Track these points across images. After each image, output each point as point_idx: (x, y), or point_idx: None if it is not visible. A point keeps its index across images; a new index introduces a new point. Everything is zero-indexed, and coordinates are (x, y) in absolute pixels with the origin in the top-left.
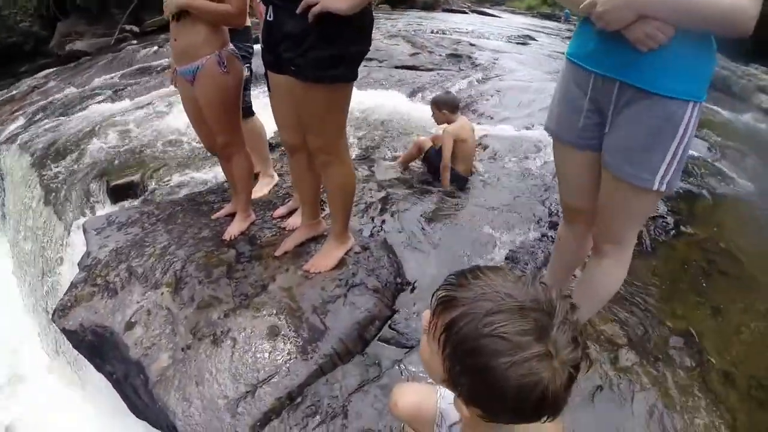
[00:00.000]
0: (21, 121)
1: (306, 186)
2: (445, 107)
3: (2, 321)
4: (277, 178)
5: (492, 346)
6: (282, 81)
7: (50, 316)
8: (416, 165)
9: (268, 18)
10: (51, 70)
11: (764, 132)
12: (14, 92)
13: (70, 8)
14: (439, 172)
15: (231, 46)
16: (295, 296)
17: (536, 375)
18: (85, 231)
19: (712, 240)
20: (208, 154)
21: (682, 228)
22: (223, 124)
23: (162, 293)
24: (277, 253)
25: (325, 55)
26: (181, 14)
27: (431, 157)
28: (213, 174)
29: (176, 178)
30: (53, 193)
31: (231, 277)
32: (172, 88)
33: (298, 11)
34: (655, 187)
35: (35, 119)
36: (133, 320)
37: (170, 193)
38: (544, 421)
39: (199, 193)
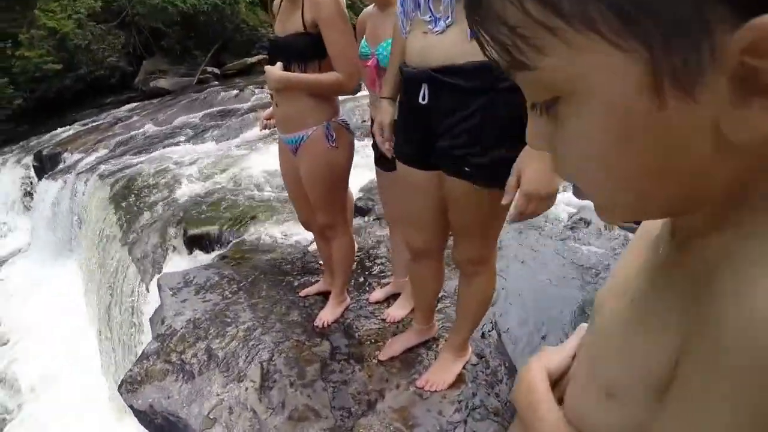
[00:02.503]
0: (103, 152)
1: (428, 292)
2: None
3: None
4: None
5: None
6: (425, 178)
7: (117, 387)
8: None
9: (420, 101)
10: (135, 104)
11: None
12: (99, 123)
13: (155, 47)
14: None
15: (341, 116)
16: (408, 420)
17: None
18: (159, 288)
19: None
20: (293, 210)
21: None
22: (326, 202)
23: (246, 388)
24: (381, 357)
25: (506, 156)
26: None
27: None
28: (296, 234)
29: (256, 234)
30: (129, 233)
31: (327, 380)
32: (258, 132)
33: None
34: None
35: (117, 152)
36: (212, 416)
37: (249, 250)
38: None
39: (282, 259)
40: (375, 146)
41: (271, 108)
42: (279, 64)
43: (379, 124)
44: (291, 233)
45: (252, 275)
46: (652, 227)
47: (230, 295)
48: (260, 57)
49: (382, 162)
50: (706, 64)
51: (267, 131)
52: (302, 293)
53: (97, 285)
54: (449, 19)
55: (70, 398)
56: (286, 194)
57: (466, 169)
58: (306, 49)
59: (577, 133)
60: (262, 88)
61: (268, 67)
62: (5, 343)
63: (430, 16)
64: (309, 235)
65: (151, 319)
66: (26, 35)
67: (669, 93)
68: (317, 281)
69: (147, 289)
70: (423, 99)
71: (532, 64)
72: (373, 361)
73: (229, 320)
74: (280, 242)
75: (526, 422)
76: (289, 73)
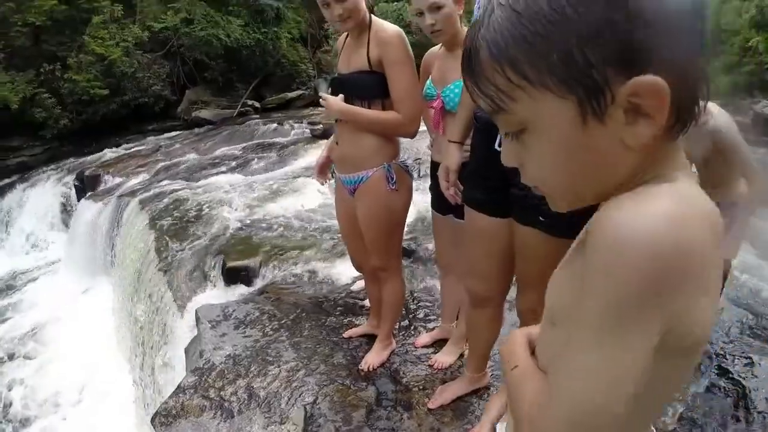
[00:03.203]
0: (144, 177)
1: (484, 341)
2: None
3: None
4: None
5: None
6: (494, 225)
7: (150, 419)
8: None
9: (496, 147)
10: (176, 133)
11: None
12: (141, 148)
13: (198, 78)
14: None
15: (402, 158)
16: None
17: None
18: (198, 320)
19: None
20: (334, 246)
21: None
22: (382, 246)
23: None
24: (431, 405)
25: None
26: None
27: None
28: (338, 272)
29: (296, 269)
30: (166, 259)
31: (374, 427)
32: (299, 166)
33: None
34: None
35: (157, 178)
36: None
37: (289, 286)
38: None
39: (324, 298)
40: (433, 188)
41: (324, 150)
42: (340, 96)
43: (445, 168)
44: (332, 271)
45: (293, 312)
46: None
47: (271, 332)
48: (299, 92)
49: (438, 205)
50: (609, 104)
51: (324, 183)
52: (346, 335)
53: (130, 307)
54: None
55: (93, 418)
56: (327, 230)
57: (541, 218)
58: (370, 88)
59: (536, 152)
60: (301, 122)
61: (327, 96)
62: (33, 358)
63: None
64: (351, 274)
65: (186, 350)
66: (75, 59)
67: (590, 123)
68: (361, 322)
69: (182, 316)
70: (499, 145)
71: (508, 108)
72: (423, 408)
73: (270, 359)
74: (321, 280)
75: (505, 375)
76: (350, 105)
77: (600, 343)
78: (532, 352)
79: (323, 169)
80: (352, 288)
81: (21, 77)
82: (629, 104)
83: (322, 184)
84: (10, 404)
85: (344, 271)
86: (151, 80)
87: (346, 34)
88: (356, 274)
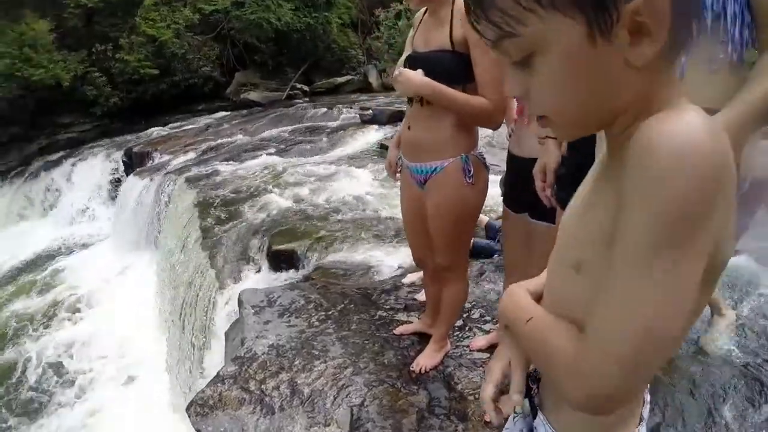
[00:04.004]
0: (192, 156)
1: None
2: None
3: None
4: None
5: None
6: None
7: (186, 408)
8: None
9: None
10: (225, 113)
11: None
12: (189, 128)
13: (248, 61)
14: None
15: (479, 150)
16: None
17: None
18: (240, 303)
19: None
20: (384, 235)
21: None
22: (449, 243)
23: None
24: (490, 419)
25: None
26: (423, 99)
27: None
28: (388, 263)
29: (343, 257)
30: (211, 238)
31: None
32: (348, 151)
33: None
34: None
35: (205, 157)
36: None
37: (336, 275)
38: None
39: (374, 289)
40: (507, 183)
41: (393, 142)
42: (419, 70)
43: (542, 166)
44: (382, 261)
45: (341, 303)
46: (596, 163)
47: (317, 323)
48: (348, 78)
49: (512, 202)
50: (615, 22)
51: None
52: (397, 331)
53: (173, 284)
54: None
55: (129, 393)
56: (378, 218)
57: None
58: (452, 69)
59: (545, 76)
60: (350, 107)
61: (404, 70)
62: (73, 325)
63: None
64: (402, 264)
65: (226, 334)
66: (126, 40)
67: (598, 41)
68: (412, 319)
69: (223, 297)
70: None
71: (517, 32)
72: (479, 420)
73: (316, 352)
74: (370, 269)
75: (516, 329)
76: (434, 81)
77: (655, 264)
78: None
79: (395, 165)
80: (403, 281)
81: (73, 56)
82: (633, 23)
83: (396, 180)
84: (48, 368)
85: (395, 262)
86: (201, 62)
87: (424, 9)
88: (406, 264)
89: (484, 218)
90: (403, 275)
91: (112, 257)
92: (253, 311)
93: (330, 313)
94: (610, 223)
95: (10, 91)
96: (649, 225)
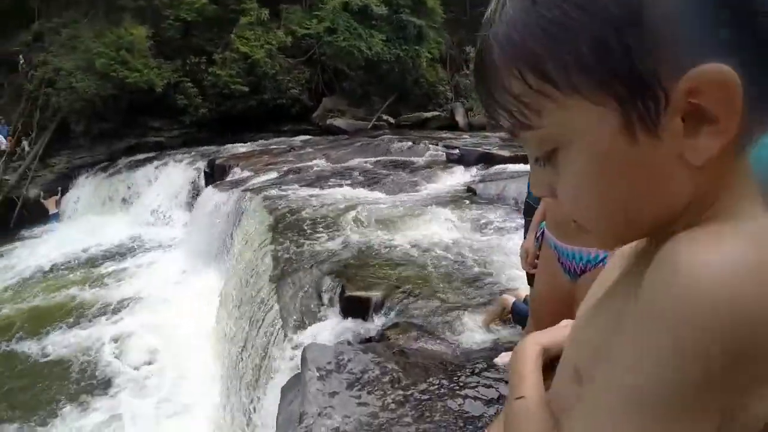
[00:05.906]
0: (273, 176)
1: None
2: None
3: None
4: None
5: None
6: None
7: None
8: None
9: None
10: (310, 137)
11: None
12: (273, 147)
13: (336, 87)
14: None
15: None
16: None
17: None
18: (304, 361)
19: None
20: (469, 293)
21: None
22: None
23: None
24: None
25: None
26: None
27: None
28: (474, 327)
29: (426, 314)
30: (281, 268)
31: None
32: (429, 191)
33: None
34: None
35: (285, 179)
36: None
37: (416, 334)
38: None
39: (461, 366)
40: None
41: (539, 207)
42: None
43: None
44: (473, 330)
45: (423, 382)
46: (619, 252)
47: (394, 406)
48: (435, 113)
49: None
50: (662, 108)
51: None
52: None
53: (235, 309)
54: None
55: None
56: (460, 272)
57: None
58: None
59: (574, 174)
60: (436, 144)
61: None
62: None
63: None
64: (499, 339)
65: (283, 390)
66: (220, 55)
67: (639, 134)
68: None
69: (285, 338)
70: None
71: (534, 124)
72: None
73: None
74: (454, 334)
75: (508, 394)
76: None
77: (631, 422)
78: (545, 367)
79: (535, 254)
80: (496, 361)
81: (168, 65)
82: (688, 106)
83: (531, 271)
84: (104, 355)
85: (487, 335)
86: (290, 83)
87: None
88: (503, 339)
89: (509, 298)
90: (495, 351)
91: (182, 265)
92: (317, 374)
93: (409, 393)
94: (611, 334)
95: (105, 89)
96: (636, 374)
